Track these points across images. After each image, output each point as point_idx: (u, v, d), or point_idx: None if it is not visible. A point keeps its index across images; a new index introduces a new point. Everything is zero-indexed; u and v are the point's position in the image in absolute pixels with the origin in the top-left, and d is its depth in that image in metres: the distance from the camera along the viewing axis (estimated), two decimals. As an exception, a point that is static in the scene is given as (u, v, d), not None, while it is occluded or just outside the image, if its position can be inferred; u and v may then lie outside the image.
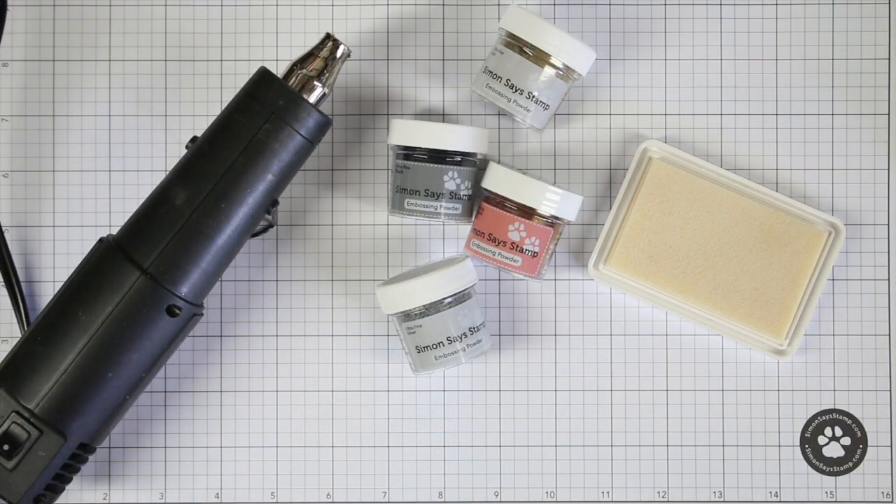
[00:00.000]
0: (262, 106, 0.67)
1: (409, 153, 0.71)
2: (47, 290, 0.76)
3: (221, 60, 0.76)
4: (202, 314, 0.70)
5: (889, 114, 0.76)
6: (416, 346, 0.71)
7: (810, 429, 0.76)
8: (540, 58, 0.70)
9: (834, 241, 0.74)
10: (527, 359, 0.76)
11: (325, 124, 0.69)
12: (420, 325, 0.70)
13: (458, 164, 0.71)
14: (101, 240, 0.69)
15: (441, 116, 0.76)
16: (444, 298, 0.70)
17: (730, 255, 0.73)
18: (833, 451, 0.76)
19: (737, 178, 0.74)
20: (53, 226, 0.76)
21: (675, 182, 0.73)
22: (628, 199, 0.74)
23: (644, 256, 0.73)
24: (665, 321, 0.76)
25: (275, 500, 0.76)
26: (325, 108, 0.74)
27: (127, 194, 0.76)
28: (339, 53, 0.69)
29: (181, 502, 0.76)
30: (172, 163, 0.71)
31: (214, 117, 0.69)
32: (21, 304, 0.73)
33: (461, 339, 0.71)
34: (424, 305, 0.70)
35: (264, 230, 0.73)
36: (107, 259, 0.67)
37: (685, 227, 0.73)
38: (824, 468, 0.76)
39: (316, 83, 0.69)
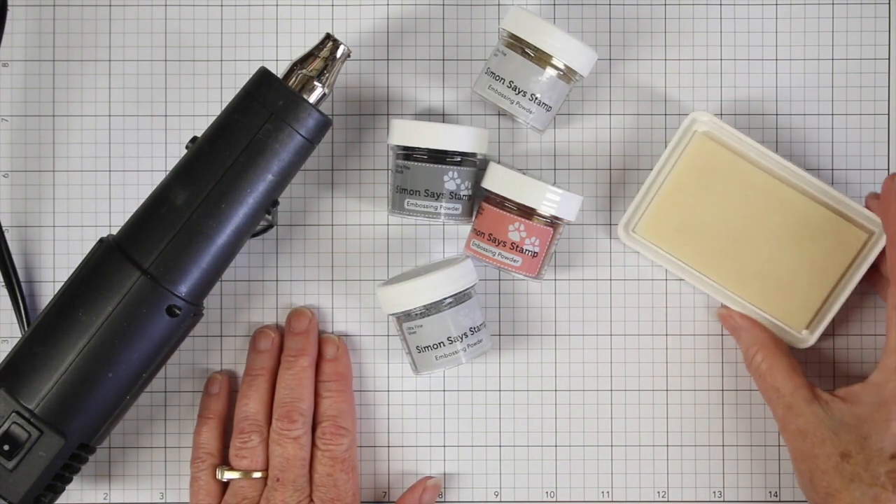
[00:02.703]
0: (262, 106, 0.67)
1: (409, 153, 0.71)
2: (47, 290, 0.76)
3: (221, 60, 0.76)
4: (202, 314, 0.70)
5: (889, 114, 0.76)
6: (417, 346, 0.71)
7: (810, 429, 0.76)
8: (542, 59, 0.70)
9: (873, 245, 0.72)
10: (527, 359, 0.76)
11: (325, 124, 0.69)
12: (420, 325, 0.70)
13: (458, 164, 0.71)
14: (101, 240, 0.69)
15: (441, 116, 0.76)
16: (445, 298, 0.70)
17: (760, 240, 0.72)
18: (833, 451, 0.76)
19: (782, 160, 0.73)
20: (53, 226, 0.76)
21: (716, 159, 0.73)
22: (667, 168, 0.73)
23: (673, 228, 0.73)
24: (665, 321, 0.76)
25: (275, 500, 0.76)
26: (325, 108, 0.74)
27: (127, 194, 0.76)
28: (339, 53, 0.69)
29: (181, 502, 0.76)
30: (172, 163, 0.70)
31: (214, 117, 0.69)
32: (21, 304, 0.74)
33: (461, 339, 0.71)
34: (425, 305, 0.70)
35: (264, 230, 0.73)
36: (107, 259, 0.67)
37: (718, 206, 0.73)
38: (824, 468, 0.76)
39: (316, 83, 0.69)
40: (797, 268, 0.73)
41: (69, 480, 0.70)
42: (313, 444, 0.72)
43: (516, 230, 0.71)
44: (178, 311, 0.67)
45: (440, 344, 0.70)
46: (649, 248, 0.74)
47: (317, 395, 0.73)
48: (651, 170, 0.74)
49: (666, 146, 0.74)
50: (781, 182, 0.73)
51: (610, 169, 0.76)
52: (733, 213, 0.73)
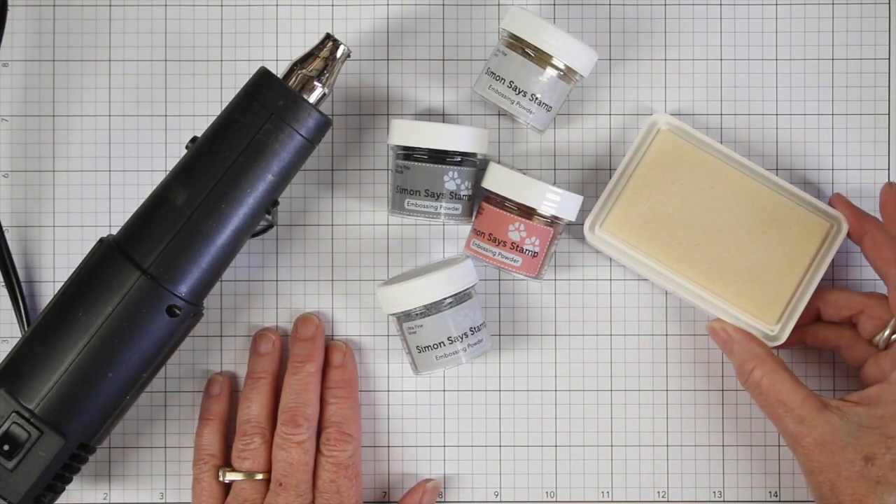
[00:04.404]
0: (262, 106, 0.67)
1: (409, 153, 0.71)
2: (47, 290, 0.76)
3: (221, 60, 0.76)
4: (202, 314, 0.70)
5: (889, 114, 0.76)
6: (417, 346, 0.71)
7: (810, 429, 0.76)
8: (542, 59, 0.70)
9: (835, 235, 0.73)
10: (527, 359, 0.76)
11: (325, 124, 0.69)
12: (420, 325, 0.70)
13: (458, 164, 0.71)
14: (101, 240, 0.69)
15: (441, 116, 0.76)
16: (445, 298, 0.70)
17: (728, 232, 0.72)
18: (833, 451, 0.76)
19: (744, 160, 0.73)
20: (53, 226, 0.76)
21: (681, 154, 0.73)
22: (631, 167, 0.73)
23: (641, 222, 0.72)
24: (665, 321, 0.76)
25: (275, 500, 0.76)
26: (325, 108, 0.74)
27: (127, 194, 0.76)
28: (339, 53, 0.69)
29: (181, 502, 0.76)
30: (172, 163, 0.70)
31: (214, 117, 0.69)
32: (21, 304, 0.74)
33: (462, 339, 0.71)
34: (425, 305, 0.70)
35: (264, 230, 0.73)
36: (107, 259, 0.67)
37: (686, 200, 0.72)
38: (824, 468, 0.76)
39: (316, 83, 0.69)
40: (765, 258, 0.72)
41: (69, 480, 0.70)
42: (317, 450, 0.72)
43: (516, 230, 0.71)
44: (178, 311, 0.67)
45: (440, 344, 0.70)
46: (613, 247, 0.73)
47: (322, 401, 0.73)
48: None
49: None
50: (746, 175, 0.73)
51: (610, 169, 0.76)
52: (699, 205, 0.72)
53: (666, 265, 0.72)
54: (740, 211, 0.72)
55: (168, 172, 0.69)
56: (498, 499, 0.76)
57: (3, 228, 0.74)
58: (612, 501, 0.76)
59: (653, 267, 0.73)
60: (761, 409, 0.70)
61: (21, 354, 0.67)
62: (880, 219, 0.72)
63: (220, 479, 0.72)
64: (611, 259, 0.76)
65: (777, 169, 0.76)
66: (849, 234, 0.73)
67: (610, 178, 0.75)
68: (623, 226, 0.73)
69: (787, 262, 0.72)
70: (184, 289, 0.67)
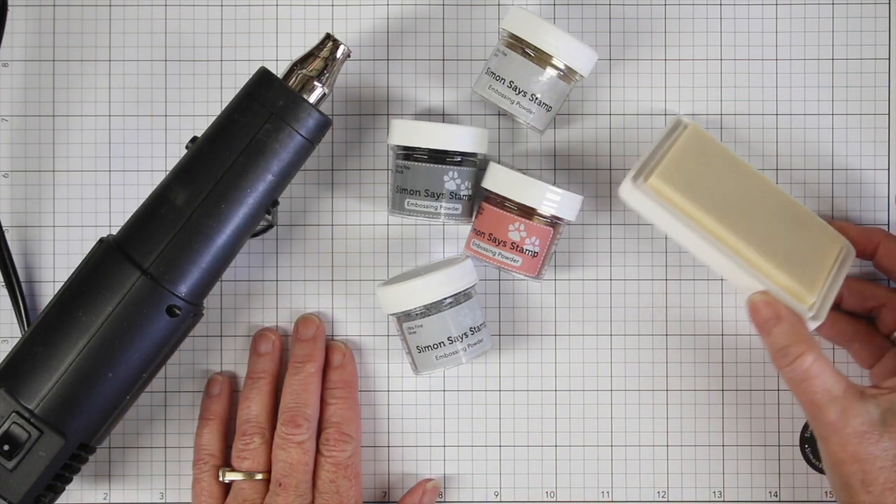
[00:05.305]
0: (262, 106, 0.67)
1: (409, 153, 0.71)
2: (47, 290, 0.76)
3: (221, 60, 0.76)
4: (202, 314, 0.70)
5: (889, 114, 0.76)
6: (417, 346, 0.71)
7: (810, 429, 0.76)
8: (542, 59, 0.70)
9: (846, 254, 0.72)
10: (527, 359, 0.76)
11: (325, 124, 0.69)
12: (420, 325, 0.70)
13: (458, 164, 0.71)
14: (101, 240, 0.69)
15: (441, 116, 0.76)
16: (445, 298, 0.70)
17: (763, 214, 0.70)
18: (833, 451, 0.76)
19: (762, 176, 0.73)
20: (53, 226, 0.76)
21: (711, 145, 0.72)
22: (662, 150, 0.70)
23: (684, 184, 0.68)
24: (665, 321, 0.76)
25: (275, 500, 0.76)
26: (325, 108, 0.74)
27: (127, 194, 0.76)
28: (339, 53, 0.69)
29: (181, 502, 0.76)
30: (172, 163, 0.70)
31: (214, 117, 0.69)
32: (21, 304, 0.74)
33: (462, 339, 0.71)
34: (425, 305, 0.70)
35: (264, 230, 0.73)
36: (107, 259, 0.67)
37: (722, 178, 0.70)
38: (824, 468, 0.76)
39: (316, 83, 0.69)
40: (798, 244, 0.70)
41: (69, 480, 0.70)
42: (317, 451, 0.72)
43: (516, 230, 0.71)
44: (178, 311, 0.67)
45: (440, 344, 0.70)
46: (655, 203, 0.68)
47: (322, 401, 0.73)
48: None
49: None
50: (767, 178, 0.73)
51: (610, 169, 0.76)
52: (734, 187, 0.70)
53: (710, 226, 0.68)
54: (769, 204, 0.71)
55: (168, 172, 0.69)
56: (498, 499, 0.76)
57: (3, 228, 0.74)
58: (612, 501, 0.76)
59: (696, 228, 0.68)
60: (798, 395, 0.66)
61: (21, 354, 0.67)
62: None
63: (220, 479, 0.72)
64: (610, 259, 0.76)
65: (777, 169, 0.76)
66: (858, 253, 0.73)
67: (610, 178, 0.75)
68: (669, 182, 0.68)
69: (820, 248, 0.71)
70: (184, 289, 0.67)
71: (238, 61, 0.76)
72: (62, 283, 0.68)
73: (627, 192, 0.69)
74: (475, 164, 0.72)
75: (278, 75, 0.69)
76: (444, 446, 0.76)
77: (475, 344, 0.71)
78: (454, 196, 0.71)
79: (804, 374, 0.66)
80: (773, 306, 0.67)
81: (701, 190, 0.69)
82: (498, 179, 0.71)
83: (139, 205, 0.69)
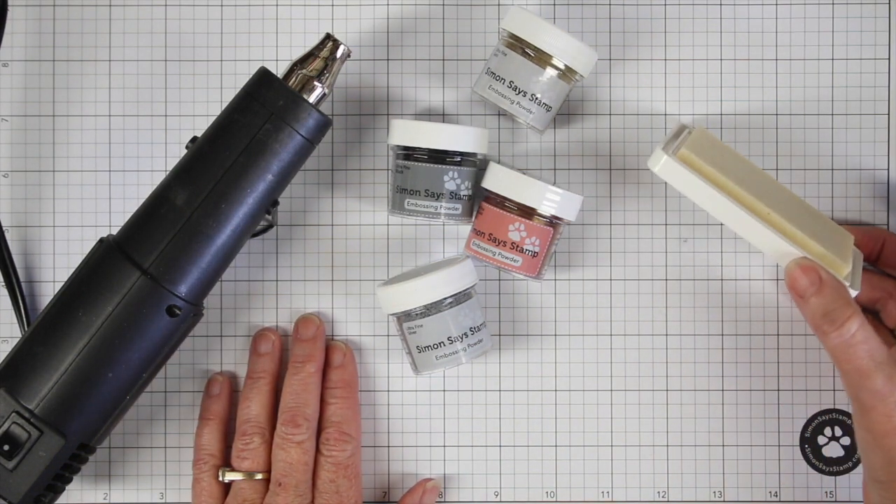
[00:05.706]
0: (262, 106, 0.67)
1: (409, 153, 0.71)
2: (47, 290, 0.76)
3: (221, 60, 0.76)
4: (202, 314, 0.70)
5: (889, 114, 0.76)
6: (417, 346, 0.71)
7: (810, 429, 0.76)
8: (542, 59, 0.70)
9: (859, 248, 0.73)
10: (527, 359, 0.76)
11: (325, 124, 0.69)
12: (420, 325, 0.70)
13: (458, 164, 0.71)
14: (101, 240, 0.69)
15: (441, 116, 0.76)
16: (445, 298, 0.70)
17: (782, 199, 0.69)
18: (833, 450, 0.76)
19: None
20: (53, 226, 0.76)
21: (720, 145, 0.72)
22: (670, 148, 0.69)
23: (714, 155, 0.67)
24: (665, 321, 0.76)
25: (275, 500, 0.76)
26: (325, 108, 0.74)
27: (127, 194, 0.76)
28: (339, 53, 0.69)
29: (181, 502, 0.76)
30: (172, 163, 0.70)
31: (214, 117, 0.69)
32: (21, 304, 0.74)
33: (462, 339, 0.71)
34: (425, 305, 0.70)
35: (264, 230, 0.73)
36: (107, 259, 0.67)
37: (737, 169, 0.69)
38: (824, 468, 0.76)
39: (316, 83, 0.69)
40: (822, 226, 0.70)
41: (69, 480, 0.70)
42: (317, 451, 0.72)
43: (516, 230, 0.71)
44: (178, 311, 0.67)
45: (440, 344, 0.70)
46: (689, 171, 0.66)
47: (322, 401, 0.73)
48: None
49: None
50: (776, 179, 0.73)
51: (610, 169, 0.76)
52: (750, 179, 0.69)
53: (740, 199, 0.67)
54: (783, 195, 0.71)
55: (168, 172, 0.69)
56: (498, 499, 0.76)
57: (3, 228, 0.74)
58: (612, 501, 0.76)
59: (732, 198, 0.66)
60: (843, 363, 0.63)
61: (21, 354, 0.67)
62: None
63: (220, 478, 0.72)
64: (610, 259, 0.76)
65: (777, 169, 0.76)
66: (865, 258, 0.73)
67: (610, 178, 0.75)
68: (702, 151, 0.67)
69: (838, 232, 0.71)
70: (184, 289, 0.67)
71: (238, 61, 0.76)
72: (62, 283, 0.68)
73: (661, 162, 0.66)
74: (475, 164, 0.72)
75: (278, 75, 0.69)
76: (444, 446, 0.76)
77: (475, 344, 0.71)
78: (454, 196, 0.71)
79: (851, 339, 0.63)
80: (815, 271, 0.65)
81: (728, 167, 0.68)
82: (498, 179, 0.71)
83: (139, 205, 0.69)
